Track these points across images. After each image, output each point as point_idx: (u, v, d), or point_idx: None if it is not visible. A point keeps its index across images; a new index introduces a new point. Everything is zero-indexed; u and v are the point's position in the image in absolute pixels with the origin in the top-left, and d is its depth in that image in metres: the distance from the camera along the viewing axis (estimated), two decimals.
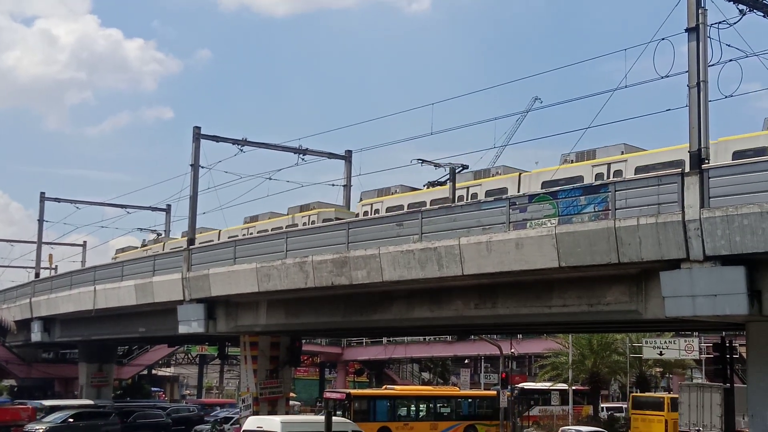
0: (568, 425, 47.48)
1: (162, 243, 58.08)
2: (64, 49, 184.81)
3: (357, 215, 39.99)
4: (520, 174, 33.58)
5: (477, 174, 36.27)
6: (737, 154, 25.53)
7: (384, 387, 57.55)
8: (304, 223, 41.11)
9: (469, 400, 51.65)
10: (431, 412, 48.44)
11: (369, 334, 70.29)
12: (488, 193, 33.08)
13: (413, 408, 48.19)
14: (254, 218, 48.56)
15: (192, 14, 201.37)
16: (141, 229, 66.13)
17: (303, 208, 44.43)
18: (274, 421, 28.51)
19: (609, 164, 30.48)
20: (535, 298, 26.19)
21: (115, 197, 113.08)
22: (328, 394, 48.19)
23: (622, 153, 30.60)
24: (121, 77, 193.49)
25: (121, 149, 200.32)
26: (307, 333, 48.51)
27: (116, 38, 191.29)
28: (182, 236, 58.03)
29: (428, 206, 32.96)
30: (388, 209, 37.39)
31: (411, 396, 49.75)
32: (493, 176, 35.40)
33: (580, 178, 30.08)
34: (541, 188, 29.43)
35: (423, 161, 36.32)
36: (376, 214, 37.10)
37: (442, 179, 37.06)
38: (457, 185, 34.82)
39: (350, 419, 41.94)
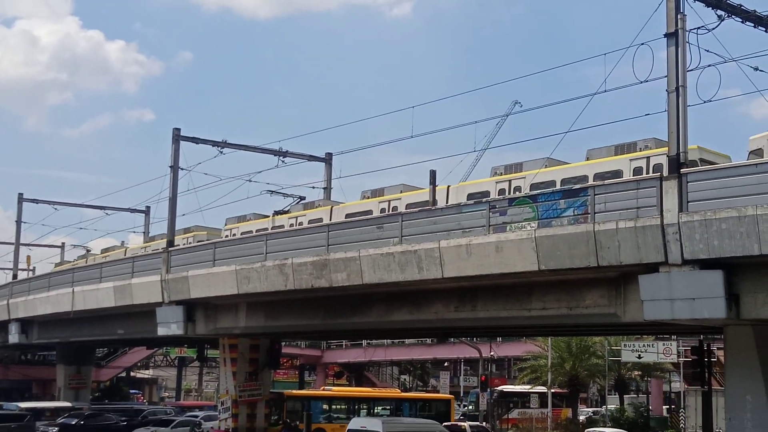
0: (594, 428, 47.25)
1: (85, 259, 61.39)
2: (45, 50, 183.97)
3: (221, 237, 45.08)
4: (332, 207, 41.00)
5: (305, 206, 43.64)
6: (470, 196, 32.11)
7: (321, 388, 57.15)
8: (183, 244, 44.95)
9: (411, 402, 50.90)
10: (370, 414, 47.56)
11: (349, 337, 70.19)
12: (310, 221, 39.76)
13: (350, 410, 47.56)
14: (152, 238, 56.04)
15: (174, 16, 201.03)
16: (74, 245, 71.42)
17: (185, 230, 50.42)
18: (376, 421, 30.73)
19: (389, 201, 37.64)
20: (515, 301, 26.25)
21: (94, 199, 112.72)
22: None
23: (401, 192, 37.73)
24: (102, 79, 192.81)
25: (101, 151, 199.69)
26: (287, 335, 48.35)
27: (98, 40, 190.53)
28: (101, 252, 62.04)
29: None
30: (242, 233, 43.09)
31: (348, 397, 49.26)
32: (315, 208, 42.22)
33: (371, 211, 36.83)
34: (345, 217, 36.23)
35: (272, 192, 43.85)
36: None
37: (285, 208, 44.36)
38: (290, 215, 43.03)
39: (284, 420, 41.99)
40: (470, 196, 32.17)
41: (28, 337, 53.25)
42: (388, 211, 35.64)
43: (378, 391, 53.89)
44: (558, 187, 28.05)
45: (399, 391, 57.70)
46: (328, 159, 46.55)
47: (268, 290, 31.09)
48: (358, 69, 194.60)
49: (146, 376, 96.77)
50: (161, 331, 37.80)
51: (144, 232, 61.43)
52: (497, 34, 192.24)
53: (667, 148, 28.98)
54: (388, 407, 48.85)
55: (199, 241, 42.92)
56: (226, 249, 34.24)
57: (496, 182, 34.09)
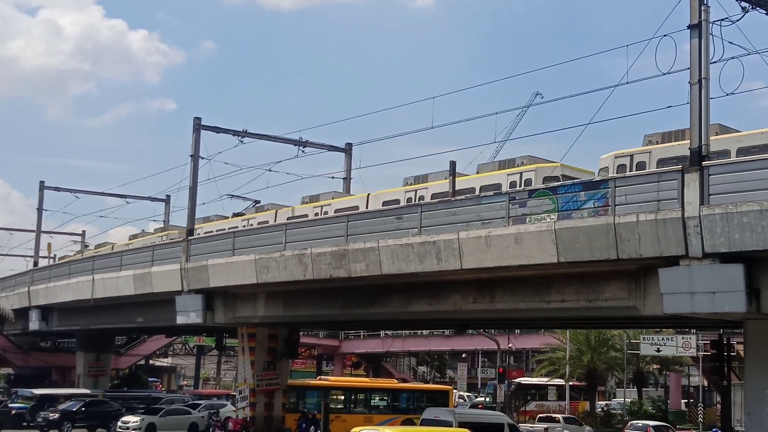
0: (636, 421, 47.08)
1: (81, 254, 64.92)
2: (68, 40, 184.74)
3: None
4: (276, 210, 43.94)
5: (257, 209, 46.58)
6: (385, 203, 34.66)
7: (318, 378, 57.18)
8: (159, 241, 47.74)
9: (409, 393, 50.46)
10: (367, 405, 47.50)
11: (367, 327, 70.33)
12: (259, 223, 42.18)
13: (347, 400, 47.29)
14: (134, 236, 59.77)
15: (197, 6, 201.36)
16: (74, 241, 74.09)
17: (162, 230, 54.60)
18: (448, 412, 31.48)
19: (322, 206, 40.21)
20: (534, 293, 26.18)
21: (115, 187, 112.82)
22: None
23: (333, 198, 40.57)
24: (124, 68, 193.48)
25: (123, 140, 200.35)
26: (305, 325, 48.47)
27: (120, 29, 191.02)
28: (95, 247, 64.06)
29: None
30: (205, 232, 45.19)
31: (345, 387, 48.85)
32: (264, 211, 45.19)
33: (307, 215, 39.23)
34: (287, 220, 38.77)
35: (232, 196, 47.02)
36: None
37: (242, 210, 47.83)
38: (244, 217, 45.97)
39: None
40: (385, 203, 35.31)
41: (48, 324, 53.62)
42: (321, 215, 38.11)
43: (375, 382, 53.79)
44: None
45: (396, 381, 57.70)
46: (348, 149, 46.56)
47: (287, 280, 31.16)
48: (379, 59, 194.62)
49: (165, 365, 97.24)
50: (180, 320, 37.97)
51: (164, 221, 61.77)
52: (518, 24, 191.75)
53: (537, 165, 32.11)
54: (386, 398, 48.78)
55: (171, 239, 43.89)
56: (245, 238, 34.30)
57: (405, 191, 36.40)
